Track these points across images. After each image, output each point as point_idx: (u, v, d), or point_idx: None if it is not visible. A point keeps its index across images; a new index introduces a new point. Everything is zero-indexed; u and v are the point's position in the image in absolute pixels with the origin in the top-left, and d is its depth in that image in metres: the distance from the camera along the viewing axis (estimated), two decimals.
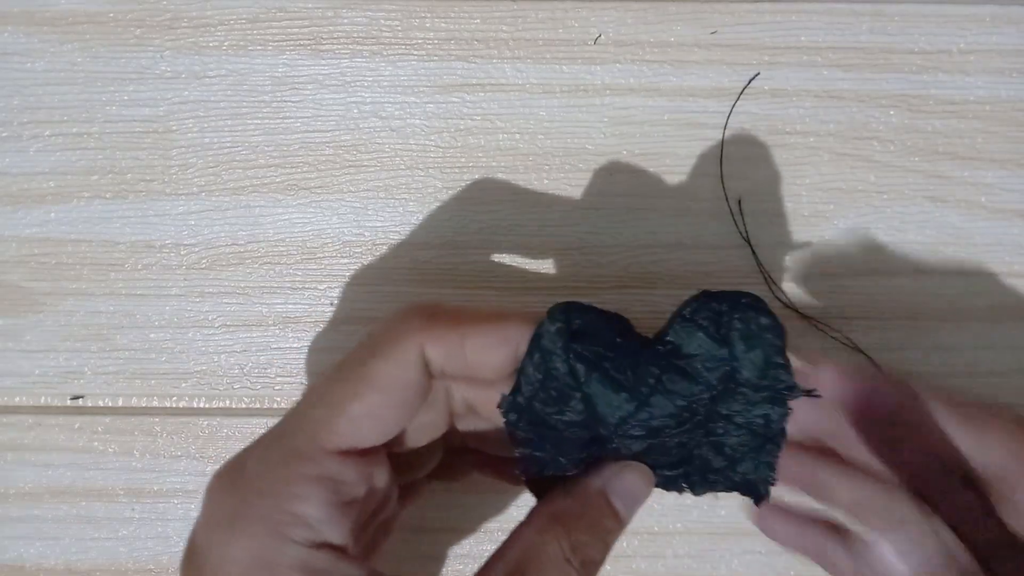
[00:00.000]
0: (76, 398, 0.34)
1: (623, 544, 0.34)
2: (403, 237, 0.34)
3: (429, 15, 0.34)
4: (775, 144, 0.34)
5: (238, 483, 0.23)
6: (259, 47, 0.34)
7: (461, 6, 0.34)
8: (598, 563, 0.25)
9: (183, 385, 0.34)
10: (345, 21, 0.34)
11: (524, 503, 0.34)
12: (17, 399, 0.34)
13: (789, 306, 0.33)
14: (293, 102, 0.34)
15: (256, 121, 0.34)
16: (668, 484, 0.27)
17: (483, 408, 0.27)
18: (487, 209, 0.34)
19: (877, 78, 0.34)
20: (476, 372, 0.25)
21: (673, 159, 0.34)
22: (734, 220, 0.34)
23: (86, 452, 0.34)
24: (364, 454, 0.24)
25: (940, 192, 0.34)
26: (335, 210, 0.34)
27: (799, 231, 0.34)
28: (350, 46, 0.34)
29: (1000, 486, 0.26)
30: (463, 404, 0.27)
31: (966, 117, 0.34)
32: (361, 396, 0.24)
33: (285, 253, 0.34)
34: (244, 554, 0.22)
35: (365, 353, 0.25)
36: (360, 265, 0.34)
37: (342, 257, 0.34)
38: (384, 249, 0.34)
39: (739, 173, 0.34)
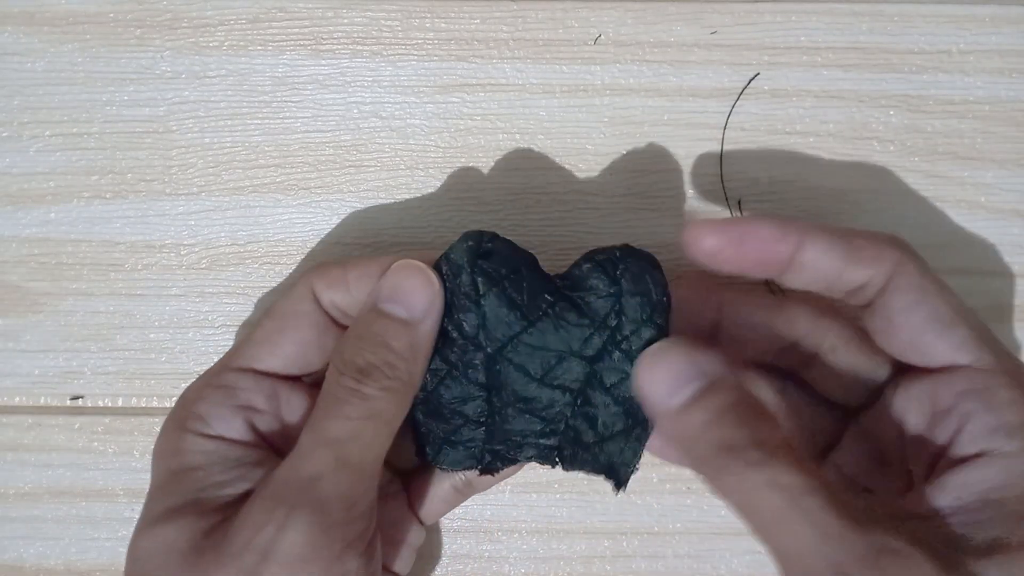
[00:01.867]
0: (76, 398, 0.34)
1: (623, 544, 0.34)
2: (403, 237, 0.34)
3: (429, 15, 0.34)
4: (775, 144, 0.34)
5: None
6: (259, 47, 0.34)
7: (461, 6, 0.34)
8: (381, 366, 0.26)
9: (183, 385, 0.33)
10: (345, 21, 0.34)
11: (525, 503, 0.34)
12: (16, 399, 0.34)
13: None
14: (293, 102, 0.34)
15: (256, 121, 0.34)
16: (541, 456, 0.29)
17: None
18: (487, 209, 0.34)
19: (877, 78, 0.34)
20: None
21: (673, 159, 0.34)
22: (739, 215, 0.34)
23: (86, 452, 0.34)
24: (271, 377, 0.29)
25: (940, 192, 0.34)
26: (335, 210, 0.34)
27: None
28: (350, 46, 0.34)
29: (878, 304, 0.27)
30: None
31: (966, 117, 0.34)
32: (261, 325, 0.29)
33: (285, 253, 0.34)
34: (161, 446, 0.28)
35: (274, 301, 0.30)
36: None
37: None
38: (384, 249, 0.34)
39: (739, 173, 0.34)
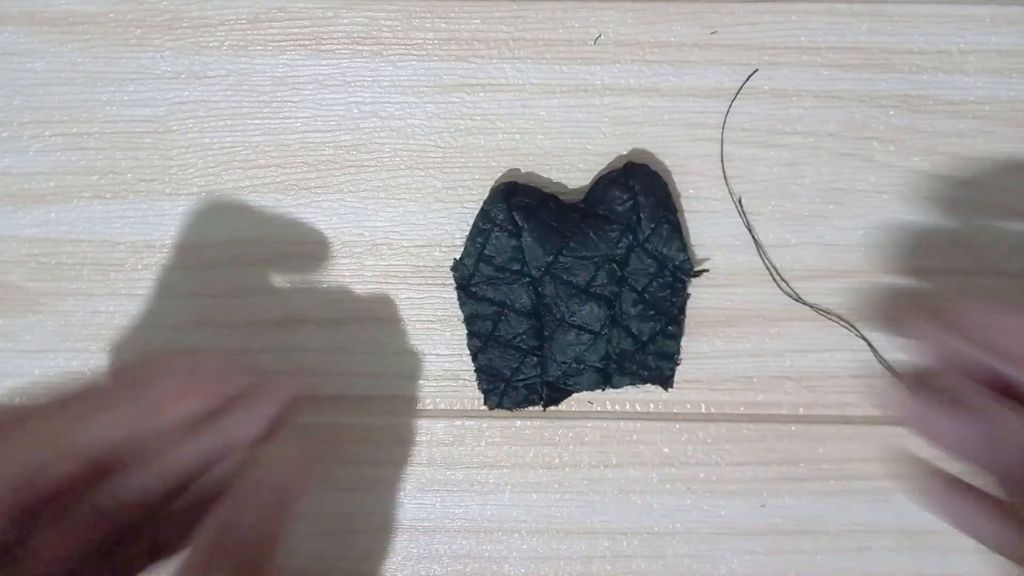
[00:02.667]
0: None
1: (623, 544, 0.34)
2: (403, 237, 0.34)
3: (429, 15, 0.34)
4: (775, 144, 0.34)
5: None
6: (259, 47, 0.34)
7: (461, 6, 0.34)
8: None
9: None
10: (345, 21, 0.34)
11: (525, 503, 0.34)
12: (17, 400, 0.34)
13: (796, 299, 0.33)
14: (293, 102, 0.34)
15: (256, 121, 0.34)
16: (591, 382, 0.32)
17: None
18: None
19: (877, 78, 0.34)
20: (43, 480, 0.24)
21: (673, 159, 0.34)
22: (740, 212, 0.34)
23: None
24: None
25: (940, 192, 0.34)
26: (335, 210, 0.34)
27: (799, 231, 0.34)
28: (350, 46, 0.34)
29: None
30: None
31: (965, 117, 0.34)
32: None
33: (285, 253, 0.34)
34: None
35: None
36: (360, 265, 0.34)
37: (342, 257, 0.34)
38: (384, 249, 0.34)
39: (739, 173, 0.34)
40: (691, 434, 0.34)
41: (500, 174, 0.34)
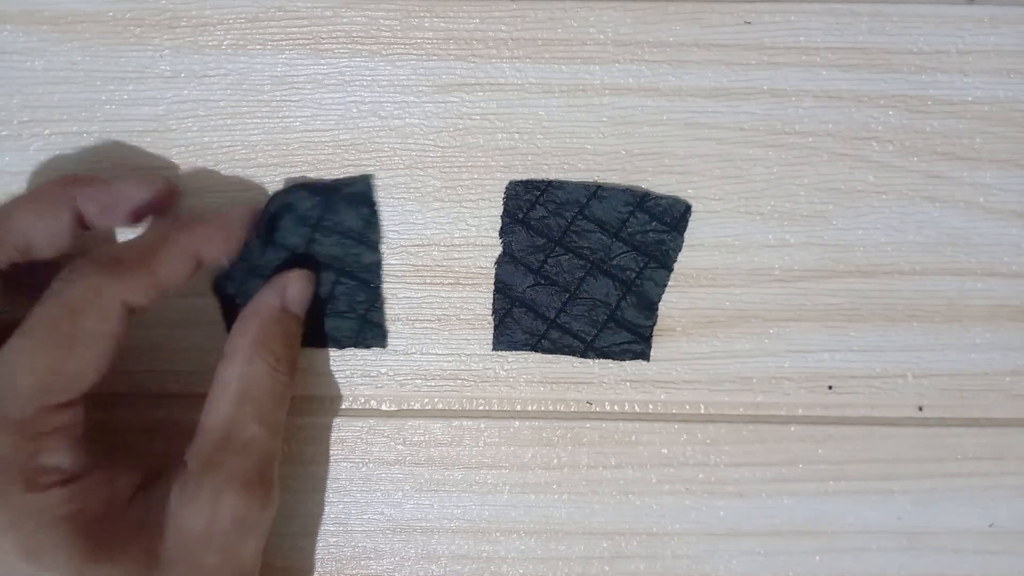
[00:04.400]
0: None
1: (622, 544, 0.34)
2: (402, 237, 0.34)
3: (428, 15, 0.34)
4: (774, 144, 0.34)
5: None
6: (258, 46, 0.34)
7: (460, 6, 0.34)
8: (287, 357, 0.30)
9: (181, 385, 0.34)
10: (344, 20, 0.34)
11: (523, 504, 0.34)
12: None
13: None
14: (292, 101, 0.34)
15: (255, 120, 0.34)
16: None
17: None
18: (486, 208, 0.34)
19: (876, 78, 0.34)
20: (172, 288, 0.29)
21: (672, 159, 0.34)
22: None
23: None
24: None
25: (939, 192, 0.34)
26: None
27: (798, 231, 0.34)
28: (349, 45, 0.34)
29: None
30: None
31: (964, 117, 0.34)
32: (70, 350, 0.26)
33: None
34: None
35: (64, 314, 0.26)
36: None
37: None
38: (383, 249, 0.34)
39: (739, 173, 0.34)
40: (690, 435, 0.34)
41: (499, 174, 0.34)
